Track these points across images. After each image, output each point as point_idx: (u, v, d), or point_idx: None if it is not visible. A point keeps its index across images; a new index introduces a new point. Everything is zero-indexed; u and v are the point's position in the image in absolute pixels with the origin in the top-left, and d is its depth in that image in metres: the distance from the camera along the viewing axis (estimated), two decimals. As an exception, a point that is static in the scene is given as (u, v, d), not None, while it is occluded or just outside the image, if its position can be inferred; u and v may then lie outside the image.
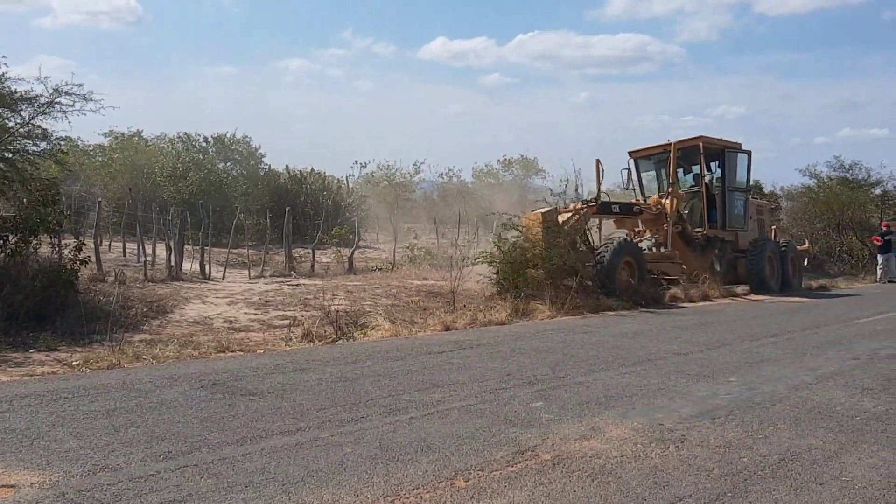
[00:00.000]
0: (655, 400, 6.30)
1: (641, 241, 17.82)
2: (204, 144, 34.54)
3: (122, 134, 36.97)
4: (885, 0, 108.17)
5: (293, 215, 23.96)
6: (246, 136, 35.29)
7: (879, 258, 24.41)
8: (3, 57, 12.71)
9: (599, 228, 18.22)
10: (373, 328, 10.64)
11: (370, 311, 11.48)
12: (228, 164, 34.88)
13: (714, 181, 18.46)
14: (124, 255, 23.07)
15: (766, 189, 28.57)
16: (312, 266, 21.91)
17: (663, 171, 18.68)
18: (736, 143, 18.83)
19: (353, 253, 23.43)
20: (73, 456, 4.37)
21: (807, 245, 23.23)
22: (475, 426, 5.26)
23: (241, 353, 8.86)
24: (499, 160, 48.47)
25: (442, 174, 45.65)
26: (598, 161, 17.13)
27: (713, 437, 5.20)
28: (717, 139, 18.27)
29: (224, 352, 8.88)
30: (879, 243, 24.38)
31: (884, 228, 24.79)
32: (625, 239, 15.01)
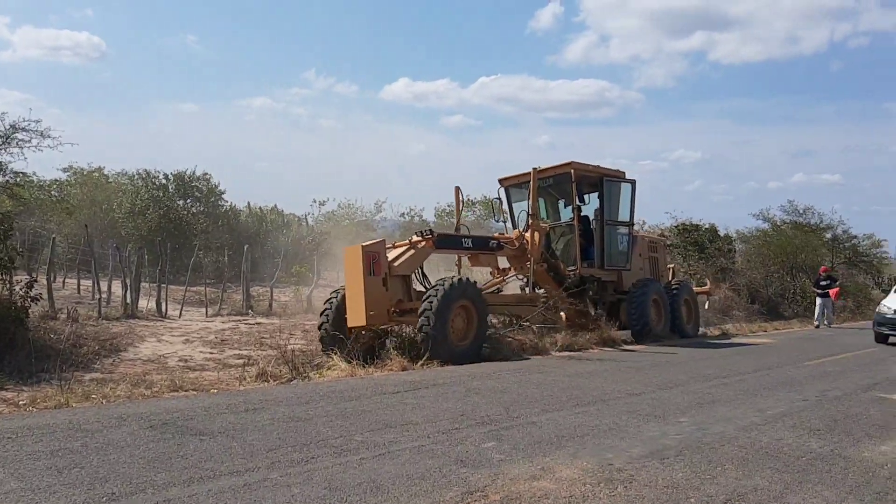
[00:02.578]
0: (606, 440, 6.35)
1: (506, 280, 15.94)
2: (164, 181, 34.28)
3: (82, 169, 36.66)
4: (833, 52, 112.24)
5: (252, 253, 23.85)
6: (206, 174, 35.10)
7: (818, 301, 24.12)
8: None
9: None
10: (329, 368, 10.58)
11: (327, 351, 11.40)
12: (188, 201, 34.62)
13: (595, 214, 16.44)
14: (79, 293, 22.71)
15: (721, 232, 29.07)
16: (270, 305, 21.77)
17: (542, 200, 16.62)
18: (618, 171, 16.68)
19: (311, 291, 23.31)
20: (13, 497, 4.27)
21: (708, 286, 21.33)
22: (426, 467, 5.26)
23: (195, 392, 8.77)
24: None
25: (404, 213, 45.72)
26: (457, 189, 15.72)
27: (661, 478, 5.25)
28: (594, 166, 16.20)
29: (177, 391, 8.78)
30: (829, 293, 23.86)
31: (822, 274, 24.64)
32: (459, 278, 12.28)
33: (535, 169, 14.90)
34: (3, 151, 12.99)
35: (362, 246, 11.86)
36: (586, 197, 16.42)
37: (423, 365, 10.60)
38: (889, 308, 17.37)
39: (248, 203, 38.81)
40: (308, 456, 5.44)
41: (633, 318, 15.83)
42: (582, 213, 16.23)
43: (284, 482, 4.77)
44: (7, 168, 13.48)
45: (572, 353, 13.01)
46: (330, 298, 12.73)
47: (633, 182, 16.78)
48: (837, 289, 24.04)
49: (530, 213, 14.85)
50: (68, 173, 36.07)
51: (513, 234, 15.35)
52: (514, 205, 16.90)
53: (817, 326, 23.60)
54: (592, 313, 16.21)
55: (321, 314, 12.60)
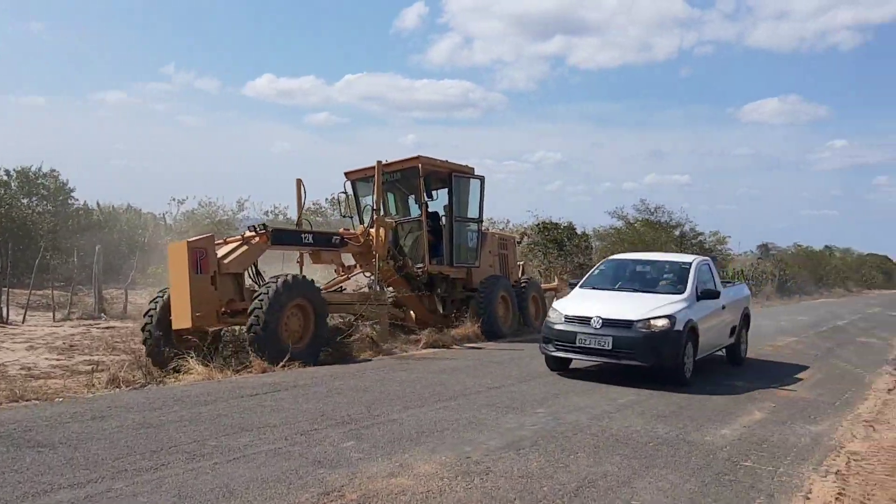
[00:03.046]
0: (465, 434, 6.44)
1: (351, 278, 14.90)
2: (5, 178, 32.07)
3: None
4: (682, 59, 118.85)
5: (106, 254, 22.73)
6: (54, 171, 33.02)
7: None
8: None
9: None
10: (186, 372, 10.19)
11: (183, 354, 10.97)
12: (33, 199, 32.50)
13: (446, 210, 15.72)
14: None
15: (579, 230, 30.09)
16: (125, 307, 20.80)
17: (391, 196, 16.14)
18: (467, 166, 16.14)
19: (170, 293, 22.41)
20: None
21: (556, 283, 20.58)
22: (282, 469, 5.15)
23: (37, 401, 8.22)
24: (327, 198, 48.17)
25: (268, 211, 44.64)
26: (298, 181, 14.51)
27: (517, 468, 5.37)
28: (442, 161, 15.51)
29: (17, 401, 8.21)
30: None
31: None
32: (294, 276, 11.41)
33: (379, 162, 14.18)
34: None
35: (188, 241, 10.94)
36: (436, 193, 15.77)
37: (284, 366, 10.38)
38: (561, 314, 10.39)
39: (98, 202, 36.90)
40: (158, 463, 5.22)
41: (482, 315, 15.20)
42: (431, 210, 15.68)
43: (130, 492, 4.56)
44: None
45: (436, 351, 13.10)
46: (155, 299, 11.68)
47: (481, 178, 16.40)
48: None
49: (374, 207, 14.10)
50: None
51: (358, 229, 14.47)
52: (360, 199, 16.02)
53: None
54: (441, 311, 15.54)
55: (144, 315, 11.55)
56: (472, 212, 16.29)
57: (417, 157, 15.05)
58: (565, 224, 28.23)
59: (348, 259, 14.90)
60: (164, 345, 10.88)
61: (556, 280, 21.24)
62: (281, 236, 12.68)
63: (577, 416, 7.34)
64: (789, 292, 42.62)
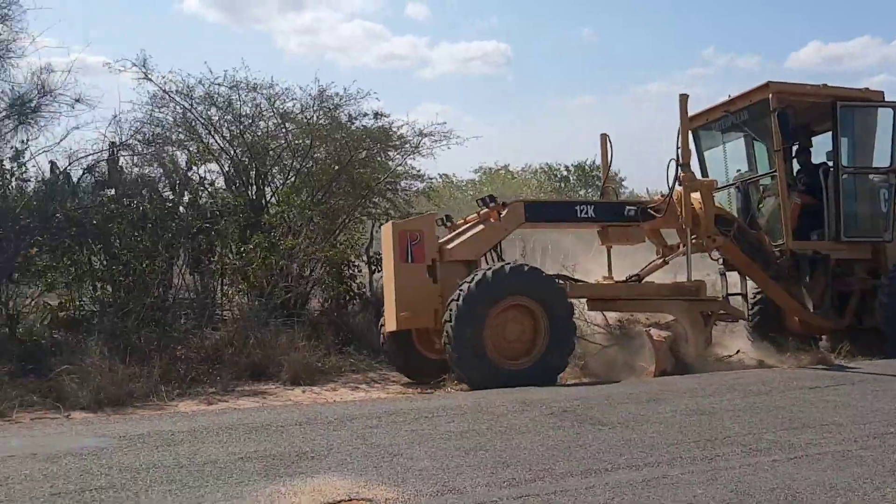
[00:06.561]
0: None
1: (666, 262, 10.67)
2: (565, 173, 35.56)
3: (490, 168, 39.63)
4: None
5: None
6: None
7: None
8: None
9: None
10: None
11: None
12: (589, 190, 35.53)
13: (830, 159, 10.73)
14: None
15: None
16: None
17: (758, 146, 11.36)
18: (864, 90, 10.83)
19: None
20: (425, 475, 4.53)
21: None
22: (852, 475, 4.50)
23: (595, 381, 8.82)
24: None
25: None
26: (604, 136, 11.00)
27: None
28: (813, 86, 10.65)
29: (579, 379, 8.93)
30: None
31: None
32: (507, 265, 8.51)
33: (683, 96, 9.89)
34: (417, 156, 14.53)
35: (393, 223, 9.25)
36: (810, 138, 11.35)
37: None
38: None
39: (647, 189, 38.64)
40: (713, 454, 5.02)
41: (884, 318, 10.22)
42: (815, 161, 11.14)
43: (685, 480, 4.44)
44: (423, 174, 15.16)
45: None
46: None
47: (894, 106, 10.76)
48: None
49: (680, 161, 9.81)
50: (479, 173, 39.18)
51: (656, 197, 10.67)
52: (705, 153, 11.74)
53: None
54: (810, 308, 10.54)
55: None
56: (881, 159, 11.00)
57: (766, 85, 10.39)
58: None
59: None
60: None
61: None
62: (538, 210, 10.02)
63: None
64: None
